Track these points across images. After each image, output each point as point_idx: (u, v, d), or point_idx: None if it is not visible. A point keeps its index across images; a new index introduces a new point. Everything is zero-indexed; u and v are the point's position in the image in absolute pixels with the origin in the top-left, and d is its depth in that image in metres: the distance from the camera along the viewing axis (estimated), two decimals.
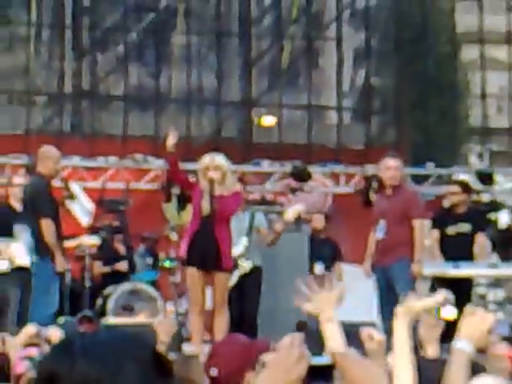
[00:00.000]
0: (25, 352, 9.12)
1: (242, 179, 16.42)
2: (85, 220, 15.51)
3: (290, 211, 15.43)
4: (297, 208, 15.54)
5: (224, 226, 12.64)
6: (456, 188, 15.99)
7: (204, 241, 12.46)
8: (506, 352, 7.78)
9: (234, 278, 14.39)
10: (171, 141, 12.73)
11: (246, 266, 14.57)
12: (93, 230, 16.17)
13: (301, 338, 3.73)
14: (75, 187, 15.50)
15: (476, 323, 5.34)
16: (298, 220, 16.95)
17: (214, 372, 6.11)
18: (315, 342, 5.18)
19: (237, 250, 14.36)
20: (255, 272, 14.72)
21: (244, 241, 14.62)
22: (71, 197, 14.22)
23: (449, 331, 13.10)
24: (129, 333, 2.65)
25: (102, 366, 2.53)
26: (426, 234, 14.58)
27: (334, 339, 4.95)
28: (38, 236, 12.96)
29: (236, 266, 14.39)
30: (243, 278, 14.52)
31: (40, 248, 12.99)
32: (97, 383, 2.50)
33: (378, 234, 14.16)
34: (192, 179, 13.26)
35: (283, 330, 12.25)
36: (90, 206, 16.34)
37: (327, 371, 3.81)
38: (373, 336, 5.94)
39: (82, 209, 15.43)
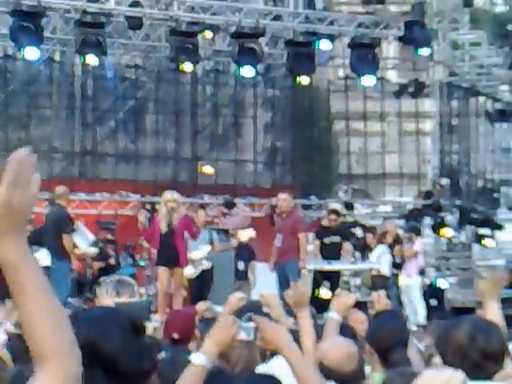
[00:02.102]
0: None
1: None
2: (83, 246, 15.32)
3: (244, 234, 15.61)
4: (249, 233, 15.70)
5: (180, 238, 12.67)
6: (332, 215, 16.13)
7: (168, 249, 12.47)
8: (360, 318, 7.79)
9: (197, 271, 14.43)
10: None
11: (207, 265, 14.65)
12: (93, 241, 16.13)
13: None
14: (80, 225, 15.35)
15: (343, 302, 5.48)
16: (229, 234, 17.01)
17: (175, 335, 6.19)
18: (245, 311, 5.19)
19: (200, 253, 14.42)
20: (210, 269, 14.85)
21: (207, 248, 14.68)
22: (74, 230, 13.95)
23: (325, 306, 13.27)
24: (114, 308, 2.67)
25: (96, 331, 2.48)
26: (307, 243, 14.65)
27: (308, 332, 4.87)
28: (60, 245, 12.89)
29: (200, 264, 14.47)
30: (203, 272, 14.59)
31: (61, 253, 12.93)
32: (94, 342, 2.43)
33: (277, 243, 14.24)
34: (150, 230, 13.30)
35: (220, 303, 12.31)
36: (91, 237, 16.20)
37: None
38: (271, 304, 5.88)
39: (81, 238, 15.20)
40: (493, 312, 4.59)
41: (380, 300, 6.06)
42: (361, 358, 4.65)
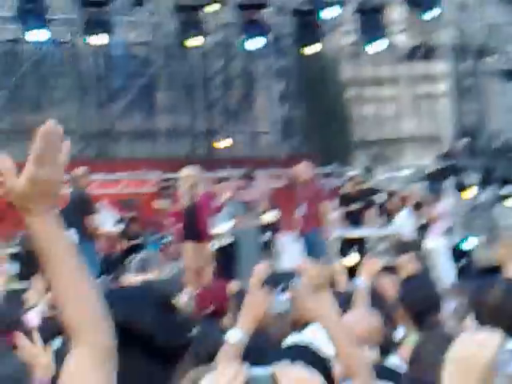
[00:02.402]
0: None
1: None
2: (108, 226, 15.34)
3: (267, 216, 15.60)
4: (272, 215, 15.69)
5: (205, 212, 12.69)
6: (353, 182, 16.07)
7: (192, 224, 12.44)
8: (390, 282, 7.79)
9: (214, 246, 14.49)
10: None
11: (227, 241, 14.70)
12: (117, 220, 16.21)
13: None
14: (103, 204, 15.36)
15: (370, 267, 5.59)
16: (251, 206, 16.98)
17: (210, 309, 6.34)
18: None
19: (221, 229, 14.45)
20: (233, 243, 14.91)
21: (229, 224, 14.72)
22: (96, 210, 13.88)
23: (354, 270, 13.30)
24: (144, 286, 2.71)
25: (129, 309, 2.48)
26: (330, 211, 14.63)
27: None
28: (85, 226, 12.93)
29: (219, 239, 14.51)
30: (226, 246, 14.66)
31: (87, 234, 13.00)
32: (127, 321, 2.43)
33: (299, 212, 14.22)
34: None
35: (248, 278, 12.36)
36: (115, 216, 16.21)
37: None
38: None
39: (105, 218, 15.20)
40: None
41: (410, 262, 6.13)
42: (386, 329, 4.70)
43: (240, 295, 6.12)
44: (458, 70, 20.78)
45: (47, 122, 1.85)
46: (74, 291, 1.91)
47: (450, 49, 20.68)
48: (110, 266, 14.70)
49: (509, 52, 21.35)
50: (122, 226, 15.80)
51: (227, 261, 14.37)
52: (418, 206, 16.00)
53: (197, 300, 6.90)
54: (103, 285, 12.33)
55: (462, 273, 15.09)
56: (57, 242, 1.90)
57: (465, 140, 20.04)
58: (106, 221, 15.14)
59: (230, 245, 14.73)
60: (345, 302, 5.19)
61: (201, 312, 6.45)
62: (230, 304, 6.52)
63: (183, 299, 9.57)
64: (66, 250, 1.91)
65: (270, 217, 15.67)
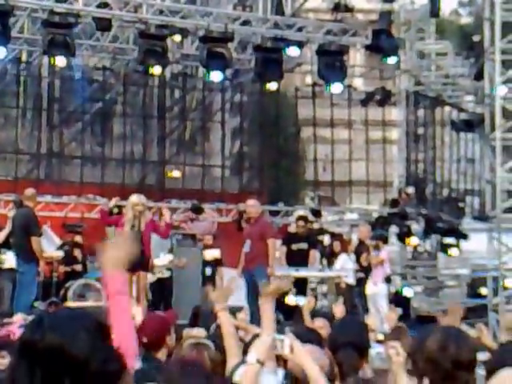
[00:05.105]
0: (19, 322, 9.00)
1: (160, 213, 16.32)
2: (50, 250, 15.14)
3: (208, 253, 15.52)
4: (213, 253, 15.61)
5: (147, 242, 12.54)
6: (300, 221, 16.07)
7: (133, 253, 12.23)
8: (321, 324, 7.74)
9: (153, 278, 14.35)
10: (111, 203, 12.79)
11: (166, 275, 14.58)
12: (60, 244, 16.03)
13: None
14: (46, 228, 15.16)
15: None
16: (196, 239, 16.95)
17: (145, 339, 6.13)
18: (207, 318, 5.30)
19: (161, 261, 14.27)
20: (170, 277, 14.80)
21: (169, 256, 14.56)
22: (40, 234, 13.68)
23: (292, 312, 13.20)
24: (80, 311, 2.56)
25: (62, 334, 2.42)
26: (276, 249, 14.60)
27: (227, 323, 5.15)
28: (28, 248, 12.74)
29: (158, 271, 14.37)
30: (163, 278, 14.52)
31: (29, 256, 12.79)
32: (60, 347, 2.40)
33: (245, 248, 14.16)
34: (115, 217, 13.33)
35: (186, 311, 12.26)
36: (57, 240, 16.02)
37: None
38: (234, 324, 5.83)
39: (47, 241, 15.00)
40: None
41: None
42: (331, 361, 4.69)
43: None
44: (412, 118, 20.98)
45: None
46: None
47: (405, 96, 20.86)
48: (49, 290, 14.50)
49: (462, 103, 21.66)
50: (63, 251, 15.59)
51: (163, 292, 14.26)
52: (360, 250, 16.04)
53: (137, 328, 6.78)
54: (40, 309, 12.13)
55: (400, 320, 15.13)
56: None
57: (412, 188, 20.19)
58: (48, 244, 14.95)
59: (168, 278, 14.67)
60: None
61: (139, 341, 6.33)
62: (168, 338, 6.42)
63: None
64: None
65: (209, 255, 15.66)
